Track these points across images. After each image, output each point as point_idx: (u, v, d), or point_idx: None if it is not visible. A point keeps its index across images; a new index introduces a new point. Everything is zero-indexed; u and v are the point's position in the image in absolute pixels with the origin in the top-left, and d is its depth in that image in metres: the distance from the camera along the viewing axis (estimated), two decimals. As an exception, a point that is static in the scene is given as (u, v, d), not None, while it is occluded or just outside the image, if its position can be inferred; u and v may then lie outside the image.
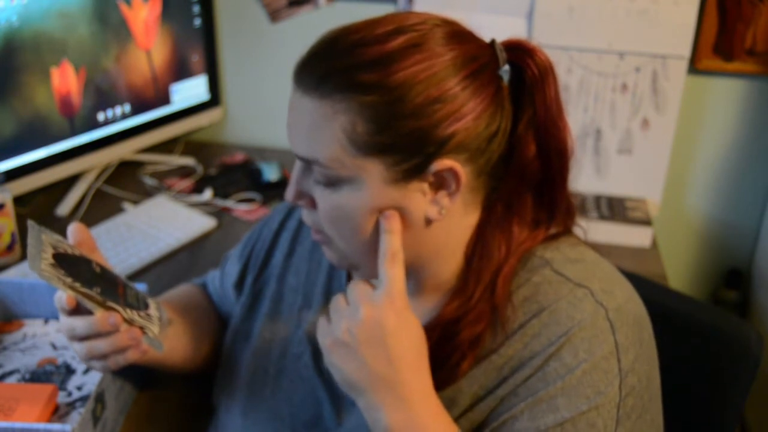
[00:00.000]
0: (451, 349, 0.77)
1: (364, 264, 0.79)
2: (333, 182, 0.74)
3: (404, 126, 0.71)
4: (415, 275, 0.82)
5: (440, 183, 0.74)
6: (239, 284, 1.01)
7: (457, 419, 0.76)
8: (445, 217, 0.76)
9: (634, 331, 0.77)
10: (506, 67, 0.76)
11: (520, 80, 0.77)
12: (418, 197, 0.74)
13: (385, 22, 0.73)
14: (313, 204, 0.78)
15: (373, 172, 0.72)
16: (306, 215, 0.81)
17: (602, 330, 0.74)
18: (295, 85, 0.75)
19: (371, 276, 0.80)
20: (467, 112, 0.72)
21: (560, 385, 0.73)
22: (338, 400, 0.85)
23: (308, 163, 0.75)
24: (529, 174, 0.78)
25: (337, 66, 0.71)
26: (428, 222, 0.76)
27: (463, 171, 0.74)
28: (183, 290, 1.10)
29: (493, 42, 0.77)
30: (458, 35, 0.75)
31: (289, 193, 0.79)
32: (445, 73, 0.71)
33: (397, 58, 0.71)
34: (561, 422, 0.72)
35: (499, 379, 0.76)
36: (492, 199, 0.79)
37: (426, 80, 0.71)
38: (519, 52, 0.77)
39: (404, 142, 0.71)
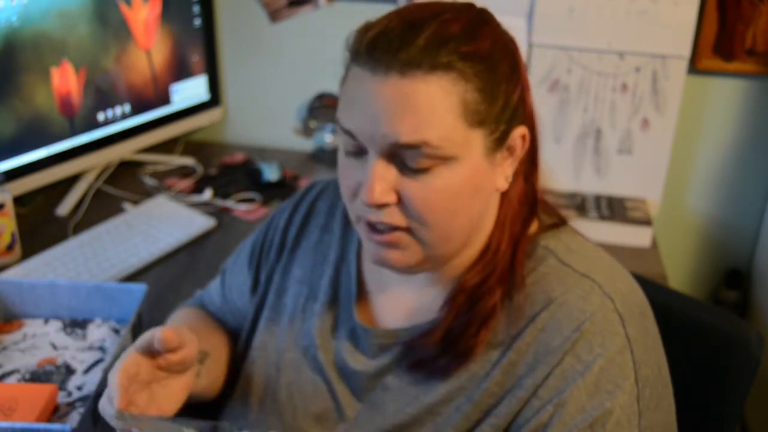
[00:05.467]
0: (475, 315, 0.78)
1: (442, 249, 0.77)
2: (429, 166, 0.72)
3: (500, 93, 0.73)
4: (441, 263, 0.81)
5: (510, 149, 0.77)
6: (255, 284, 1.00)
7: (479, 422, 0.77)
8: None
9: (640, 322, 0.79)
10: None
11: None
12: (497, 168, 0.77)
13: (434, 6, 0.75)
14: (398, 199, 0.74)
15: (475, 145, 0.73)
16: (385, 215, 0.75)
17: (613, 323, 0.75)
18: (385, 73, 0.70)
19: (437, 264, 0.80)
20: (525, 77, 0.77)
21: (581, 383, 0.73)
22: (346, 393, 0.86)
23: (407, 149, 0.71)
24: (533, 138, 0.81)
25: (436, 41, 0.70)
26: (496, 192, 0.79)
27: (527, 133, 0.77)
28: (196, 316, 1.05)
29: None
30: (490, 13, 0.78)
31: (373, 193, 0.73)
32: (512, 43, 0.77)
33: (479, 29, 0.73)
34: (590, 422, 0.72)
35: (516, 377, 0.76)
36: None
37: (504, 47, 0.75)
38: None
39: (498, 109, 0.74)
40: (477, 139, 0.73)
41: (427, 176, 0.72)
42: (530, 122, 0.79)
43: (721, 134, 1.76)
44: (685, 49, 1.62)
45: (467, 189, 0.74)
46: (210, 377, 0.93)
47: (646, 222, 1.60)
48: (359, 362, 0.85)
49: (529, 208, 0.82)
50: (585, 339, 0.74)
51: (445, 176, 0.73)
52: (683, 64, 1.63)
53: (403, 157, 0.72)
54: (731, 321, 1.02)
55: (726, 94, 1.72)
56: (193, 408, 1.02)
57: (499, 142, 0.75)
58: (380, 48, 0.71)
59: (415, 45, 0.70)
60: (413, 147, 0.71)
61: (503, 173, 0.78)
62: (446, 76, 0.70)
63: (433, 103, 0.70)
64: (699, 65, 1.68)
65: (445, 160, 0.72)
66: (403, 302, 0.86)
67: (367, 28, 0.73)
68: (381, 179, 0.73)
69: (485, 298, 0.78)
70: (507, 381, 0.77)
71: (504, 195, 0.81)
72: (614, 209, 1.65)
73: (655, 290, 1.08)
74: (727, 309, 1.79)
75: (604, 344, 0.74)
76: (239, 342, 0.99)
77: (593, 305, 0.76)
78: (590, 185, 1.74)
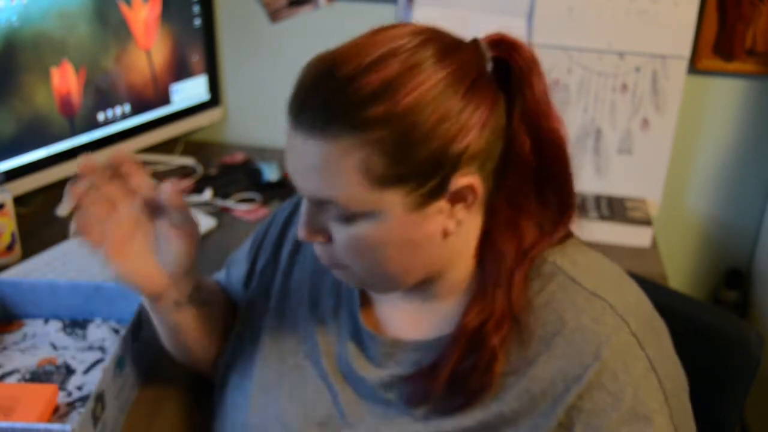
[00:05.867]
0: (480, 356, 0.76)
1: (383, 284, 0.79)
2: (351, 218, 0.73)
3: (419, 152, 0.70)
4: (433, 284, 0.81)
5: (457, 198, 0.74)
6: (249, 276, 1.00)
7: None
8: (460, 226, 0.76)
9: (653, 336, 0.78)
10: (490, 64, 0.75)
11: (506, 74, 0.76)
12: (437, 216, 0.74)
13: (373, 46, 0.71)
14: (328, 239, 0.77)
15: (394, 202, 0.72)
16: (319, 249, 0.79)
17: (631, 347, 0.75)
18: (294, 129, 0.72)
19: (386, 292, 0.81)
20: (475, 123, 0.72)
21: (616, 416, 0.72)
22: (350, 399, 0.85)
23: (322, 203, 0.74)
24: (526, 168, 0.77)
25: (339, 106, 0.69)
26: (446, 235, 0.76)
27: (477, 180, 0.74)
28: (210, 280, 1.07)
29: (476, 42, 0.76)
30: (448, 47, 0.73)
31: (302, 231, 0.77)
32: (448, 90, 0.71)
33: (399, 84, 0.69)
34: None
35: (535, 404, 0.75)
36: (495, 198, 0.78)
37: (432, 102, 0.70)
38: (504, 46, 0.76)
39: (421, 167, 0.71)
40: (393, 198, 0.71)
41: (351, 226, 0.74)
42: (519, 154, 0.76)
43: (721, 134, 1.76)
44: (685, 49, 1.62)
45: (394, 242, 0.74)
46: (191, 319, 0.94)
47: (646, 222, 1.60)
48: (364, 368, 0.84)
49: (540, 233, 0.80)
50: (608, 369, 0.73)
51: (367, 229, 0.73)
52: (683, 64, 1.63)
53: (325, 206, 0.74)
54: (731, 321, 1.02)
55: (726, 94, 1.72)
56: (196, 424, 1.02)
57: (432, 195, 0.72)
58: (296, 108, 0.72)
59: (318, 112, 0.70)
60: (323, 201, 0.73)
61: (452, 218, 0.75)
62: (348, 142, 0.69)
63: (334, 166, 0.70)
64: (699, 65, 1.68)
65: (363, 214, 0.72)
66: (408, 312, 0.85)
67: (302, 71, 0.74)
68: (308, 221, 0.77)
69: (487, 341, 0.76)
70: (524, 408, 0.75)
71: (486, 226, 0.79)
72: (614, 209, 1.65)
73: (655, 290, 1.07)
74: (727, 309, 1.79)
75: (628, 371, 0.73)
76: (230, 337, 0.98)
77: (607, 327, 0.75)
78: (590, 185, 1.74)
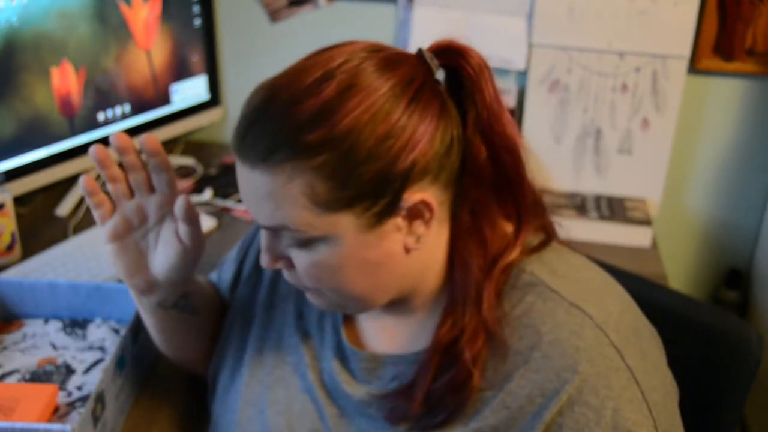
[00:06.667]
0: (456, 372, 0.75)
1: (355, 305, 0.79)
2: (307, 243, 0.73)
3: (363, 173, 0.69)
4: (408, 299, 0.81)
5: (413, 214, 0.73)
6: (236, 281, 1.00)
7: None
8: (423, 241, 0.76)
9: (636, 345, 0.76)
10: (440, 72, 0.74)
11: (457, 82, 0.75)
12: (395, 234, 0.73)
13: (310, 70, 0.71)
14: (291, 264, 0.77)
15: (346, 225, 0.71)
16: (287, 275, 0.79)
17: (611, 358, 0.73)
18: (240, 160, 0.72)
19: (360, 312, 0.81)
20: (420, 137, 0.70)
21: None
22: (334, 413, 0.84)
23: (277, 230, 0.74)
24: (484, 176, 0.76)
25: (278, 134, 0.69)
26: (408, 251, 0.75)
27: (432, 194, 0.73)
28: (207, 284, 1.07)
29: (420, 52, 0.75)
30: (387, 61, 0.72)
31: (264, 259, 0.77)
32: (388, 107, 0.69)
33: (336, 106, 0.68)
34: None
35: (513, 420, 0.73)
36: (458, 208, 0.77)
37: (371, 120, 0.69)
38: (451, 54, 0.75)
39: (368, 187, 0.70)
40: (346, 221, 0.71)
41: (310, 251, 0.73)
42: (477, 164, 0.75)
43: (721, 134, 1.76)
44: (685, 49, 1.62)
45: (353, 263, 0.73)
46: (173, 323, 0.94)
47: (646, 222, 1.60)
48: (347, 383, 0.83)
49: (507, 241, 0.78)
50: (588, 383, 0.71)
51: (325, 252, 0.73)
52: (683, 64, 1.63)
53: (280, 233, 0.74)
54: (731, 321, 1.02)
55: (726, 94, 1.72)
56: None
57: (385, 214, 0.71)
58: (238, 139, 0.72)
59: (258, 143, 0.70)
60: (277, 229, 0.73)
61: (412, 234, 0.74)
62: (290, 171, 0.69)
63: (281, 194, 0.70)
64: (699, 65, 1.68)
65: (319, 239, 0.72)
66: (388, 326, 0.85)
67: (244, 102, 0.74)
68: (268, 249, 0.76)
69: (462, 356, 0.74)
70: (503, 424, 0.74)
71: (451, 237, 0.78)
72: (614, 209, 1.65)
73: (655, 290, 1.08)
74: (727, 309, 1.79)
75: (609, 385, 0.72)
76: (218, 341, 0.98)
77: (587, 341, 0.73)
78: (590, 185, 1.74)
